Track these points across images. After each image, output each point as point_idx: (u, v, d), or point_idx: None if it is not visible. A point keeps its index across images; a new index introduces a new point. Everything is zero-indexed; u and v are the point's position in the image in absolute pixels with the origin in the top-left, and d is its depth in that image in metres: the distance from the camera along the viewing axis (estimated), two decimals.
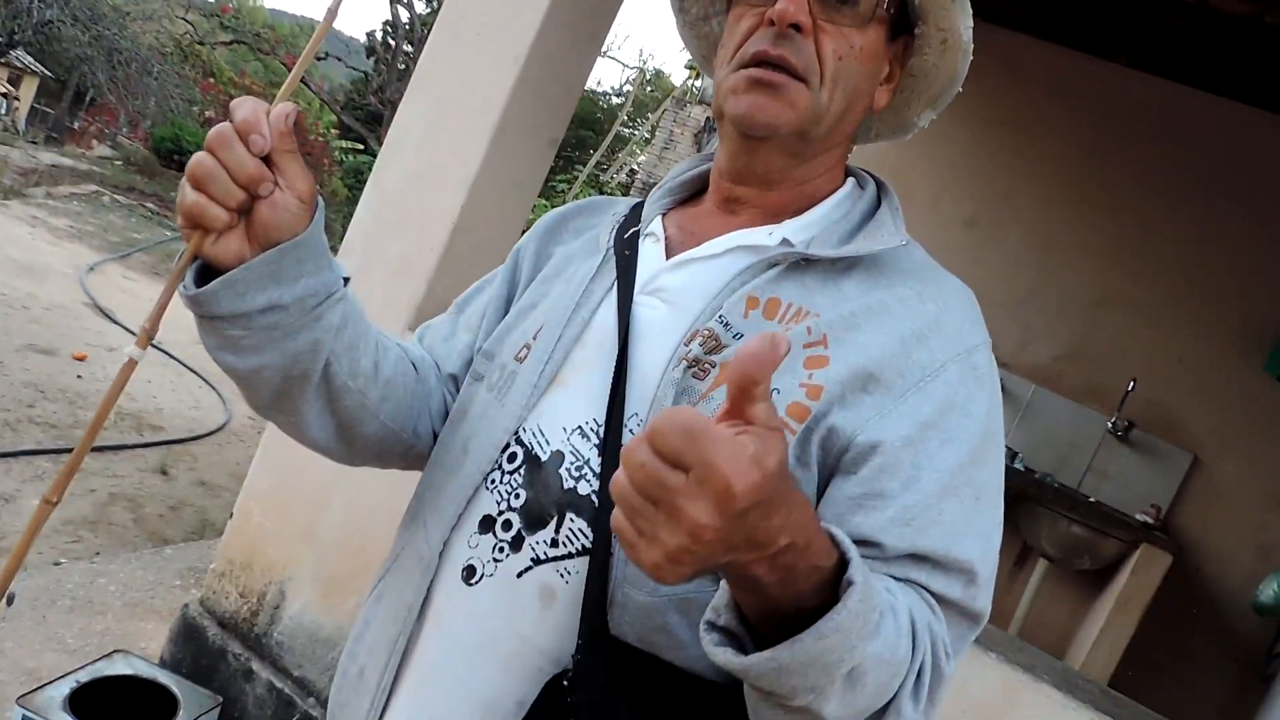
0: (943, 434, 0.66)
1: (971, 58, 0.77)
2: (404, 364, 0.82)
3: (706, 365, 0.69)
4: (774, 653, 0.50)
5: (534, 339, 0.78)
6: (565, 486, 0.70)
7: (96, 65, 17.84)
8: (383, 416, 0.79)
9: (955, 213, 3.72)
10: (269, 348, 0.67)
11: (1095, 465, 3.56)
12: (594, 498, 0.69)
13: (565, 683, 0.65)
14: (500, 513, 0.72)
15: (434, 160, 1.96)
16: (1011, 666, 1.38)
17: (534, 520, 0.71)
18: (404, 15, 16.89)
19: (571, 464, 0.71)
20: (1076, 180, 3.60)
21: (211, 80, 19.00)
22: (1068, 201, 3.63)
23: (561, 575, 0.69)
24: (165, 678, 1.94)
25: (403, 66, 16.30)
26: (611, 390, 0.71)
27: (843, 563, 0.53)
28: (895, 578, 0.63)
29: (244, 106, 0.61)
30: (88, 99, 20.73)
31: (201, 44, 20.20)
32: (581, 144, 19.12)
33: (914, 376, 0.67)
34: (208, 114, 18.51)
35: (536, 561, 0.69)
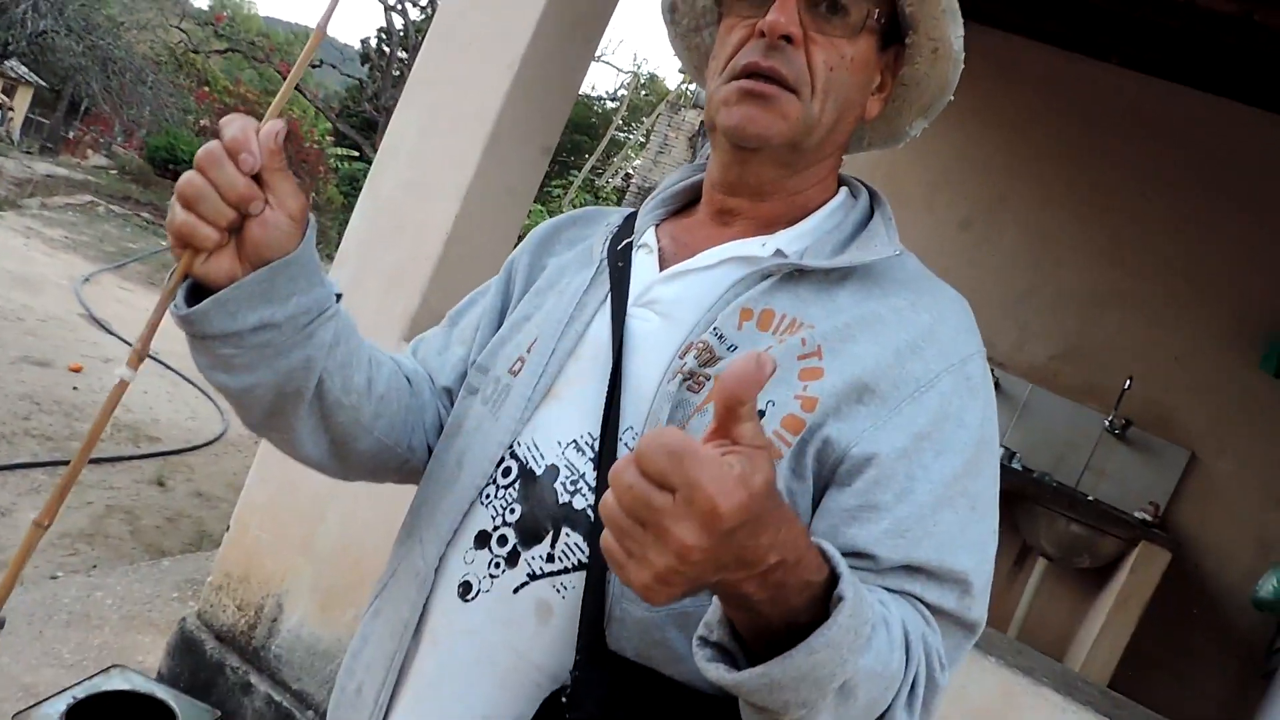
0: (937, 445, 0.66)
1: (963, 66, 0.77)
2: (397, 379, 0.82)
3: (701, 378, 0.68)
4: (766, 669, 0.50)
5: (528, 352, 0.78)
6: (560, 501, 0.70)
7: (91, 75, 17.85)
8: (377, 432, 0.78)
9: (950, 214, 3.73)
10: (261, 366, 0.67)
11: (1093, 464, 3.57)
12: (589, 512, 0.69)
13: (563, 699, 0.65)
14: (495, 528, 0.72)
15: (428, 169, 1.96)
16: (1011, 670, 1.38)
17: (529, 535, 0.70)
18: (398, 22, 16.92)
19: (566, 478, 0.71)
20: (1071, 180, 3.61)
21: (206, 89, 18.99)
22: (1062, 201, 3.64)
23: (558, 590, 0.68)
24: (163, 692, 1.93)
25: (397, 73, 16.32)
26: (606, 404, 0.71)
27: (833, 577, 0.53)
28: (890, 589, 0.63)
29: (233, 125, 0.61)
30: (82, 109, 20.71)
31: (196, 52, 20.21)
32: (577, 149, 19.14)
33: (908, 387, 0.67)
34: (202, 123, 18.51)
35: (533, 577, 0.69)
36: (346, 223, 2.13)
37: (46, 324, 5.73)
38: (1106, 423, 3.48)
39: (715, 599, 0.54)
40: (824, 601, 0.52)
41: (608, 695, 0.65)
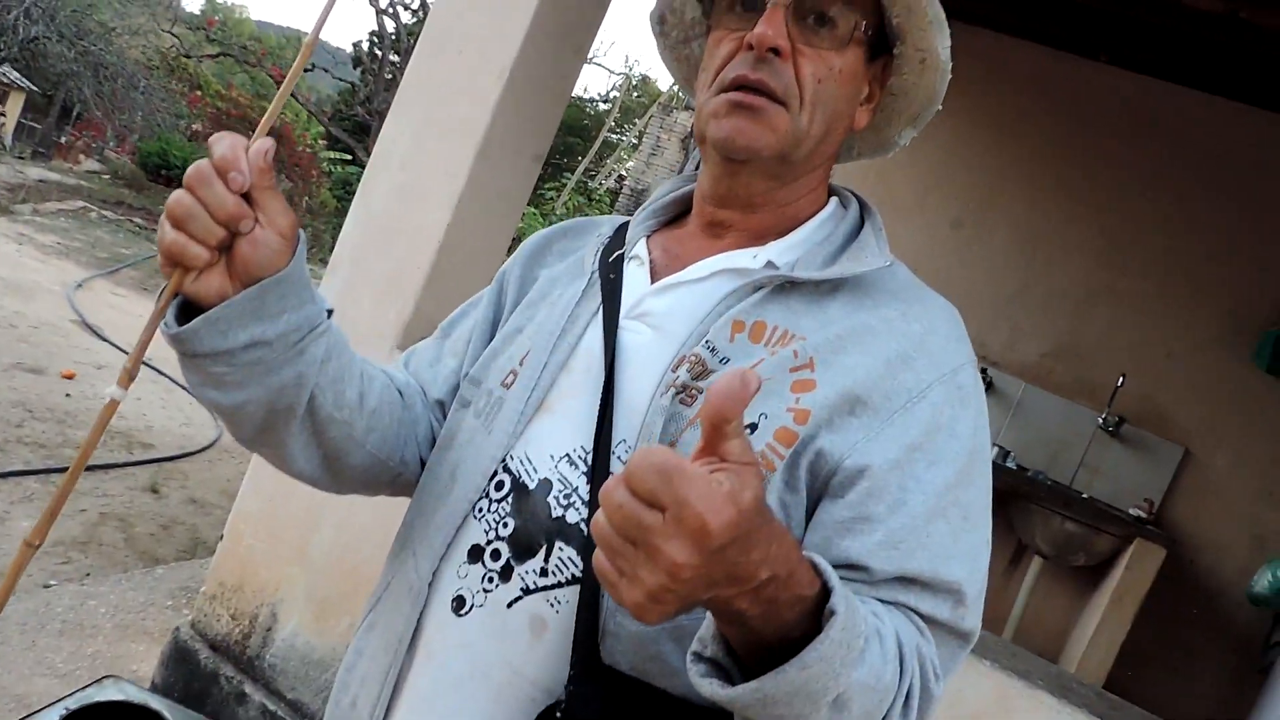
0: (929, 456, 0.66)
1: (950, 76, 0.77)
2: (390, 392, 0.82)
3: (694, 391, 0.69)
4: (759, 684, 0.51)
5: (520, 365, 0.78)
6: (553, 515, 0.70)
7: (83, 80, 17.79)
8: (369, 446, 0.78)
9: (941, 214, 3.74)
10: (253, 383, 0.67)
11: (1087, 461, 3.58)
12: (583, 526, 0.69)
13: (558, 714, 0.65)
14: (489, 542, 0.72)
15: (419, 178, 1.95)
16: (1006, 673, 1.39)
17: (523, 549, 0.70)
18: (390, 26, 16.88)
19: (559, 492, 0.71)
20: (1061, 178, 3.63)
21: (198, 93, 18.94)
22: (1052, 199, 3.65)
23: (552, 605, 0.68)
24: (157, 703, 1.92)
25: (389, 77, 16.29)
26: (599, 417, 0.71)
27: (826, 591, 0.53)
28: (884, 600, 0.63)
29: (222, 143, 0.61)
30: (74, 114, 20.65)
31: (188, 57, 20.14)
32: (569, 151, 19.12)
33: (900, 399, 0.67)
34: (194, 127, 18.46)
35: (526, 591, 0.69)
36: (339, 227, 2.13)
37: (39, 330, 5.71)
38: (1100, 420, 3.49)
39: (708, 614, 0.54)
40: (817, 615, 0.53)
41: (602, 709, 0.65)
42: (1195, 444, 3.45)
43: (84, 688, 1.90)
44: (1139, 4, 2.93)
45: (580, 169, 16.39)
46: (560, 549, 0.69)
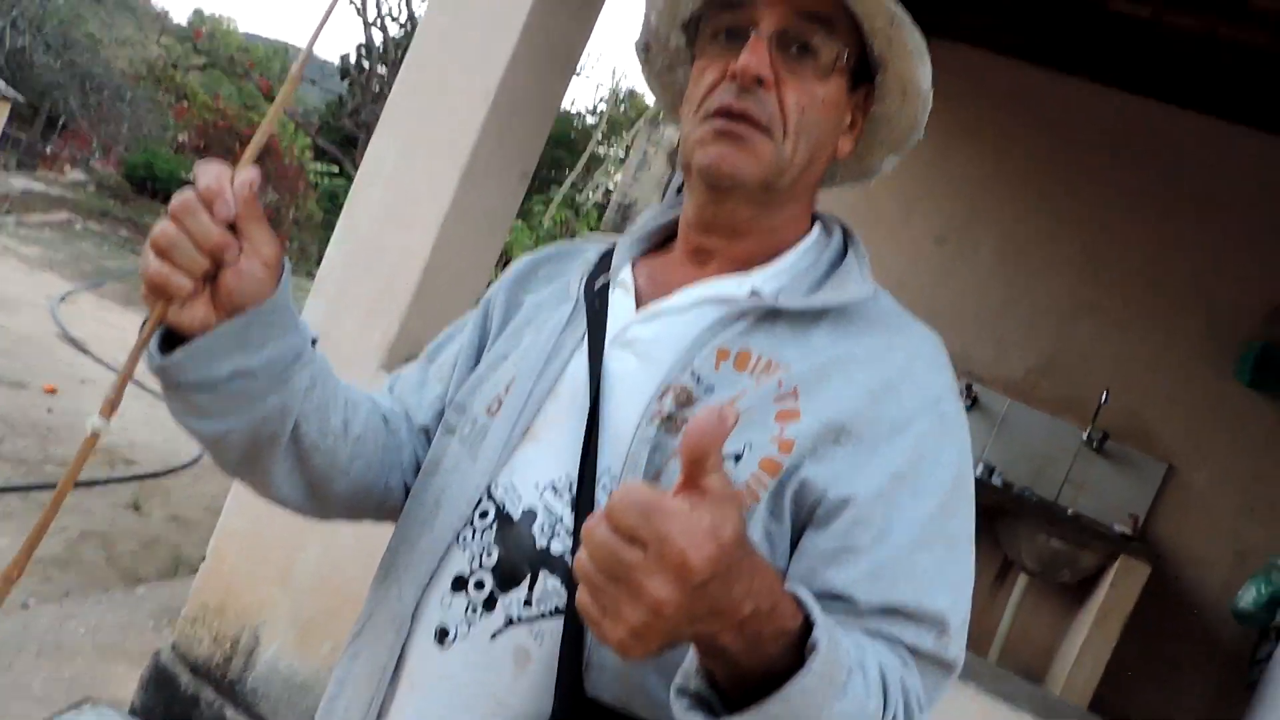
0: (913, 486, 0.66)
1: (931, 105, 0.78)
2: (374, 419, 0.81)
3: (679, 420, 0.69)
4: (742, 718, 0.51)
5: (506, 392, 0.78)
6: (538, 545, 0.70)
7: (69, 91, 17.73)
8: (353, 474, 0.78)
9: (925, 230, 3.77)
10: (236, 413, 0.67)
11: (1072, 477, 3.60)
12: (567, 557, 0.69)
13: None
14: (472, 571, 0.72)
15: (405, 197, 1.96)
16: (991, 696, 1.39)
17: (506, 580, 0.70)
18: (377, 38, 16.92)
19: (544, 522, 0.70)
20: (1043, 194, 3.67)
21: (185, 104, 18.88)
22: (1035, 215, 3.69)
23: (535, 636, 0.68)
24: None
25: (377, 89, 16.30)
26: (584, 446, 0.71)
27: (809, 624, 0.53)
28: (868, 630, 0.63)
29: (208, 173, 0.61)
30: (60, 124, 20.54)
31: (175, 68, 20.10)
32: (557, 164, 19.19)
33: (884, 428, 0.67)
34: (181, 138, 18.40)
35: (510, 622, 0.69)
36: (327, 239, 2.12)
37: (21, 344, 5.65)
38: (1084, 436, 3.51)
39: (691, 647, 0.54)
40: (800, 648, 0.53)
41: None
42: (1179, 459, 3.48)
43: (62, 712, 1.87)
44: (1119, 22, 2.98)
45: (567, 183, 16.44)
46: (544, 580, 0.69)
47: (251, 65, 19.53)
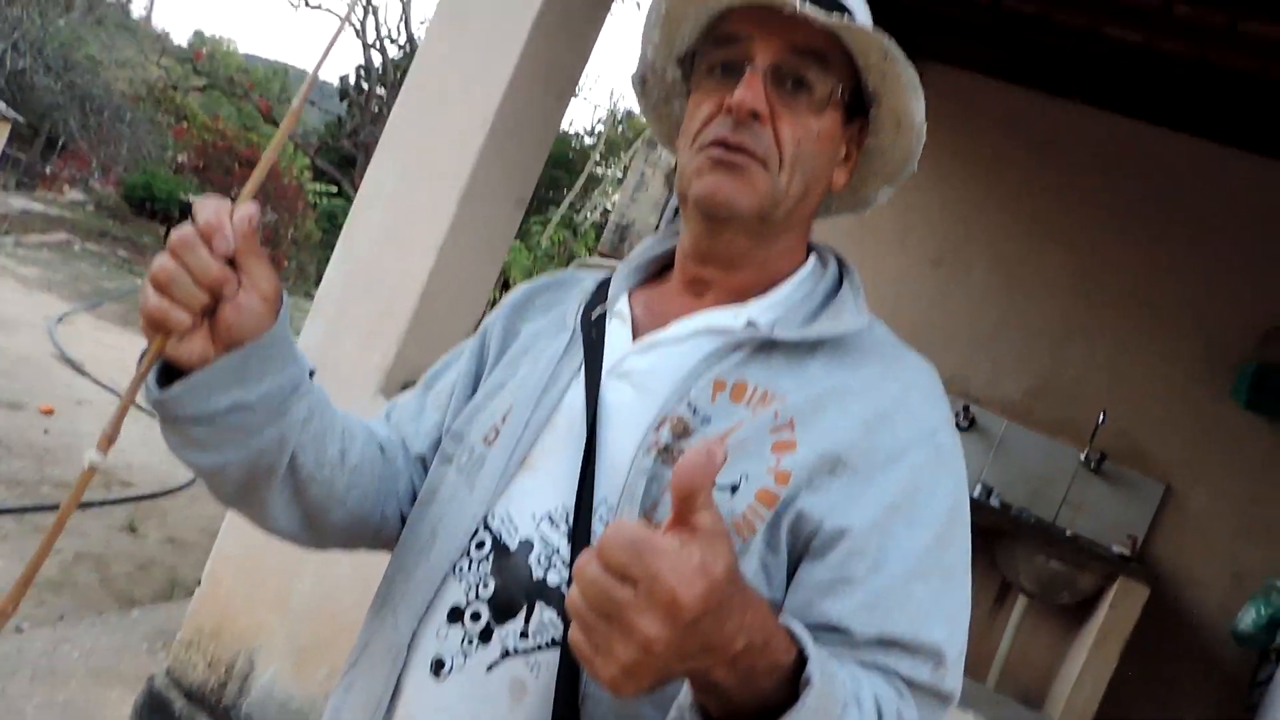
0: (908, 517, 0.66)
1: (924, 139, 0.79)
2: (370, 448, 0.81)
3: (676, 452, 0.69)
4: None
5: (503, 421, 0.78)
6: (534, 577, 0.70)
7: (69, 112, 17.81)
8: (350, 503, 0.78)
9: (921, 252, 3.79)
10: (234, 445, 0.67)
11: (1070, 498, 3.60)
12: (563, 589, 0.69)
13: None
14: (469, 603, 0.72)
15: (403, 223, 1.97)
16: None
17: (503, 611, 0.70)
18: (377, 59, 17.06)
19: (540, 553, 0.70)
20: (1038, 216, 3.69)
21: (185, 125, 18.98)
22: (1031, 237, 3.71)
23: (531, 669, 0.68)
24: None
25: (376, 110, 16.42)
26: (580, 477, 0.71)
27: (803, 658, 0.53)
28: (864, 662, 0.63)
29: (207, 208, 0.61)
30: (60, 145, 20.63)
31: (175, 89, 20.21)
32: (555, 184, 19.29)
33: (879, 458, 0.68)
34: (180, 159, 18.47)
35: (506, 654, 0.69)
36: (325, 259, 2.13)
37: (18, 364, 5.64)
38: (1082, 457, 3.52)
39: (686, 683, 0.54)
40: (794, 683, 0.53)
41: None
42: (1176, 480, 3.48)
43: None
44: (1112, 46, 3.02)
45: (565, 203, 16.51)
46: (541, 611, 0.69)
47: (251, 86, 19.65)
